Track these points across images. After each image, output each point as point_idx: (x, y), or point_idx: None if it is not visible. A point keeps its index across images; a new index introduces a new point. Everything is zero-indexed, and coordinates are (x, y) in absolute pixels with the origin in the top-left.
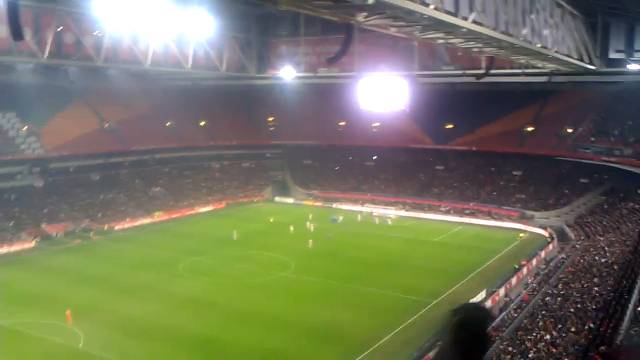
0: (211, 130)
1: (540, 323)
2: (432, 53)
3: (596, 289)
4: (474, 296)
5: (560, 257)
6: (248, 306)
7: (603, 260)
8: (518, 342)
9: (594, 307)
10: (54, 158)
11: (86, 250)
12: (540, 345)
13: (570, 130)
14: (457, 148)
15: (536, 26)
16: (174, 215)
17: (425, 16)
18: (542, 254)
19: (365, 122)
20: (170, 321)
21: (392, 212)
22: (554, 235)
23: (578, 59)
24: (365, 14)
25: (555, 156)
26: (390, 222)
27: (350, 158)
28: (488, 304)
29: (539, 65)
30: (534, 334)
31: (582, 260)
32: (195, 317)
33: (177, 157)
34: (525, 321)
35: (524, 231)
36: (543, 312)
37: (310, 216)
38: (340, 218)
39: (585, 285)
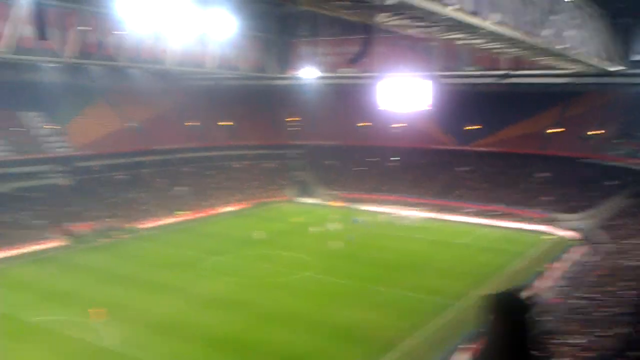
0: (233, 130)
1: (569, 327)
2: (453, 53)
3: (625, 292)
4: None
5: (586, 260)
6: (272, 306)
7: (630, 263)
8: (546, 345)
9: (623, 311)
10: (79, 157)
11: (112, 248)
12: (569, 349)
13: (594, 132)
14: (480, 149)
15: (558, 27)
16: (196, 215)
17: (446, 17)
18: (568, 256)
19: (386, 123)
20: (195, 320)
21: (415, 214)
22: (580, 238)
23: (600, 61)
24: (385, 14)
25: (580, 158)
26: (412, 224)
27: (372, 158)
28: None
29: (562, 66)
30: (562, 338)
31: (609, 264)
32: (219, 316)
33: (199, 157)
34: (552, 325)
35: (549, 234)
36: (571, 315)
37: (332, 217)
38: (362, 219)
39: (613, 289)
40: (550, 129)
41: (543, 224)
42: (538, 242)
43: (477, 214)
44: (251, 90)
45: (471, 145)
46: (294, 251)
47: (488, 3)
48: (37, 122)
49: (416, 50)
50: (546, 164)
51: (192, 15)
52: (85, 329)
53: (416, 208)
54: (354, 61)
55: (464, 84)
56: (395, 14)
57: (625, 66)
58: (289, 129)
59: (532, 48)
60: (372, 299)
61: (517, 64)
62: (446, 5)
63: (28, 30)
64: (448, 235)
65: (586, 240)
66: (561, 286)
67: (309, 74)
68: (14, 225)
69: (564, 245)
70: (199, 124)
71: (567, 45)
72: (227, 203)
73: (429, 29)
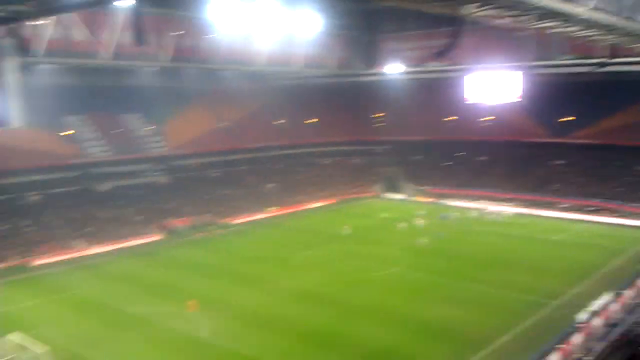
0: (320, 127)
1: None
2: (545, 43)
3: None
4: (598, 298)
5: None
6: (360, 301)
7: None
8: None
9: None
10: (175, 156)
11: (206, 243)
12: None
13: None
14: (577, 141)
15: None
16: (285, 211)
17: (537, 5)
18: None
19: (475, 116)
20: (285, 313)
21: (506, 209)
22: None
23: None
24: (473, 5)
25: None
26: (504, 220)
27: (461, 153)
28: (615, 306)
29: None
30: None
31: None
32: (309, 309)
33: (289, 154)
34: None
35: None
36: None
37: (420, 212)
38: (451, 215)
39: None
40: None
41: None
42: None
43: (573, 209)
44: (337, 88)
45: (566, 137)
46: (382, 247)
47: None
48: (136, 124)
49: (505, 41)
50: None
51: (279, 16)
52: (180, 320)
53: (507, 203)
54: (440, 55)
55: (557, 74)
56: (484, 4)
57: None
58: (375, 124)
59: (631, 34)
60: (462, 295)
61: (614, 51)
62: None
63: (126, 37)
64: (541, 231)
65: None
66: None
67: (394, 69)
68: (116, 221)
69: None
70: (287, 122)
71: None
72: (315, 199)
73: (518, 19)
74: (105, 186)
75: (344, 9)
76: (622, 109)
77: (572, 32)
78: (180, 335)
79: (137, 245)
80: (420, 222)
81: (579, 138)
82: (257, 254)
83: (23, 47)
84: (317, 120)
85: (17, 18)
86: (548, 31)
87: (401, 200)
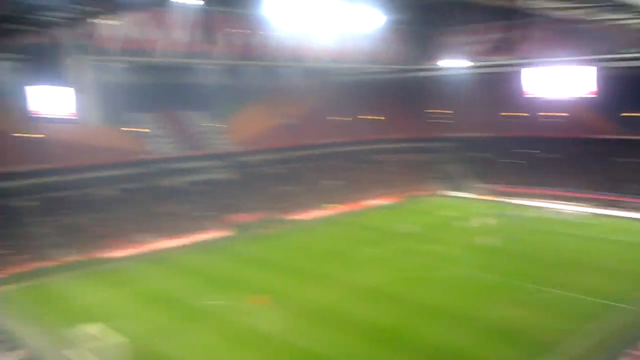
0: (380, 124)
1: None
2: (612, 35)
3: None
4: None
5: None
6: (424, 300)
7: None
8: None
9: None
10: (238, 153)
11: (270, 239)
12: None
13: None
14: None
15: None
16: (347, 208)
17: None
18: None
19: (537, 112)
20: (350, 310)
21: (572, 208)
22: None
23: None
24: None
25: None
26: (571, 219)
27: (523, 150)
28: None
29: None
30: None
31: None
32: (373, 307)
33: (349, 151)
34: None
35: None
36: None
37: (482, 211)
38: (515, 214)
39: None
40: None
41: None
42: None
43: None
44: (397, 83)
45: (638, 134)
46: (445, 245)
47: None
48: (201, 121)
49: (569, 33)
50: None
51: (338, 12)
52: (246, 315)
53: (573, 202)
54: (500, 48)
55: (628, 68)
56: None
57: None
58: (436, 121)
59: None
60: (527, 297)
61: None
62: None
63: (192, 36)
64: (610, 231)
65: None
66: None
67: (454, 63)
68: (183, 216)
69: None
70: (347, 118)
71: None
72: (375, 196)
73: (579, 11)
74: (173, 182)
75: (403, 3)
76: None
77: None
78: (247, 329)
79: (204, 240)
80: (483, 220)
81: None
82: (320, 251)
83: (95, 47)
84: (378, 116)
85: (88, 18)
86: (612, 23)
87: (463, 198)
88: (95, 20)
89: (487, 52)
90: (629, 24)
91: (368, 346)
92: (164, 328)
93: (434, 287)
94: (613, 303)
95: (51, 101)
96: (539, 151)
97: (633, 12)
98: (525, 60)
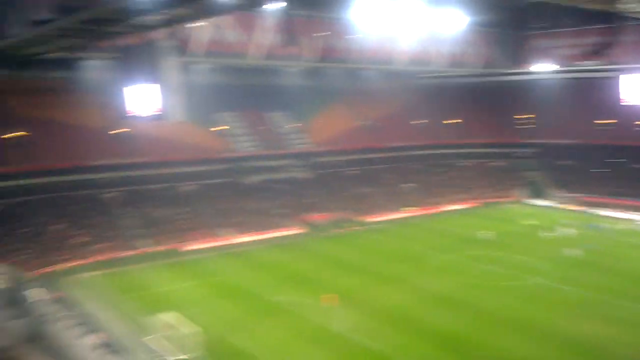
0: (461, 128)
1: None
2: None
3: None
4: None
5: None
6: (497, 310)
7: None
8: None
9: None
10: (317, 153)
11: (344, 239)
12: None
13: None
14: None
15: None
16: (423, 211)
17: None
18: None
19: (633, 120)
20: (420, 314)
21: None
22: None
23: None
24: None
25: None
26: None
27: (615, 159)
28: None
29: None
30: None
31: None
32: (444, 313)
33: (428, 155)
34: None
35: None
36: None
37: (567, 221)
38: (602, 225)
39: None
40: None
41: None
42: None
43: None
44: (481, 87)
45: None
46: (524, 255)
47: None
48: (282, 122)
49: None
50: None
51: (421, 14)
52: (318, 312)
53: None
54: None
55: None
56: None
57: None
58: (520, 126)
59: None
60: (612, 312)
61: None
62: None
63: (276, 38)
64: None
65: None
66: None
67: (542, 68)
68: (261, 212)
69: None
70: (426, 121)
71: None
72: (453, 201)
73: None
74: (252, 179)
75: (490, 4)
76: None
77: None
78: (318, 327)
79: (280, 237)
80: (566, 231)
81: None
82: (394, 253)
83: (183, 48)
84: (458, 120)
85: (179, 21)
86: None
87: (546, 207)
88: (185, 24)
89: (577, 57)
90: None
91: (437, 352)
92: (236, 320)
93: (510, 297)
94: None
95: (142, 100)
96: (632, 161)
97: None
98: (622, 66)
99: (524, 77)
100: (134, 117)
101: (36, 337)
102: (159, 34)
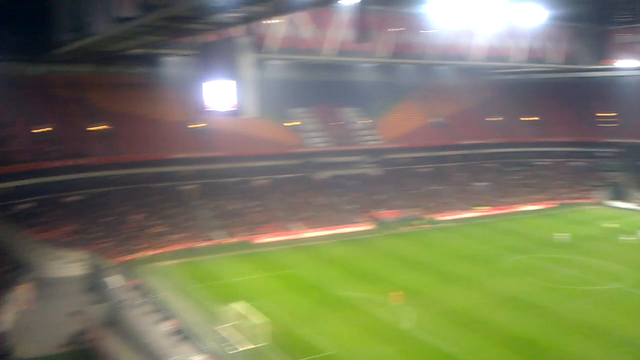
0: (538, 126)
1: None
2: None
3: None
4: None
5: None
6: (572, 315)
7: None
8: None
9: None
10: (387, 150)
11: (412, 236)
12: None
13: None
14: None
15: None
16: (496, 211)
17: None
18: None
19: None
20: (489, 316)
21: None
22: None
23: None
24: None
25: None
26: None
27: None
28: None
29: None
30: None
31: None
32: (514, 316)
33: (503, 153)
34: None
35: None
36: None
37: None
38: None
39: None
40: None
41: None
42: None
43: None
44: (560, 83)
45: None
46: (603, 259)
47: None
48: (353, 117)
49: None
50: None
51: (499, 7)
52: (384, 309)
53: None
54: None
55: None
56: None
57: None
58: (602, 125)
59: None
60: None
61: None
62: None
63: (349, 34)
64: None
65: None
66: None
67: (627, 64)
68: (330, 208)
69: None
70: (502, 119)
71: None
72: (528, 201)
73: None
74: (323, 175)
75: None
76: None
77: None
78: (385, 324)
79: (348, 233)
80: None
81: None
82: (464, 253)
83: (259, 45)
84: (535, 118)
85: (256, 18)
86: None
87: (629, 210)
88: (262, 21)
89: None
90: None
91: (506, 355)
92: (304, 313)
93: (586, 302)
94: None
95: (219, 95)
96: None
97: None
98: None
99: (606, 73)
100: (211, 112)
101: (114, 322)
102: (237, 31)
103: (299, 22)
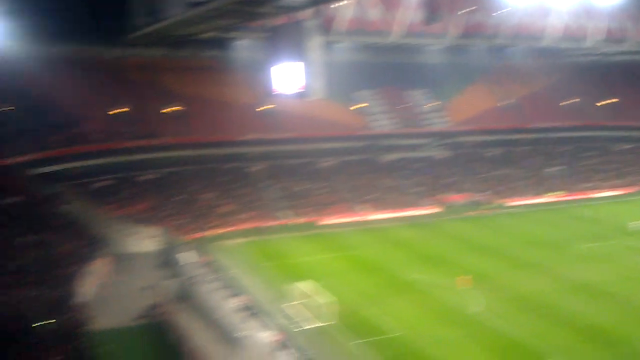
0: (617, 109)
1: None
2: None
3: None
4: None
5: None
6: None
7: None
8: None
9: None
10: (455, 132)
11: (480, 221)
12: None
13: None
14: None
15: None
16: (568, 197)
17: None
18: None
19: None
20: (560, 303)
21: None
22: None
23: None
24: None
25: None
26: None
27: None
28: None
29: None
30: None
31: None
32: (588, 304)
33: (576, 137)
34: None
35: None
36: None
37: None
38: None
39: None
40: None
41: None
42: None
43: None
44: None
45: None
46: None
47: None
48: (421, 100)
49: None
50: None
51: None
52: (450, 293)
53: None
54: None
55: None
56: None
57: None
58: None
59: None
60: None
61: None
62: None
63: (418, 15)
64: None
65: None
66: None
67: None
68: (396, 190)
69: None
70: (577, 101)
71: None
72: (604, 187)
73: None
74: (389, 157)
75: None
76: None
77: None
78: (450, 308)
79: (414, 216)
80: None
81: None
82: (534, 238)
83: (327, 27)
84: (613, 100)
85: (324, 1)
86: None
87: None
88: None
89: None
90: None
91: (577, 343)
92: (370, 294)
93: None
94: None
95: (287, 77)
96: None
97: None
98: None
99: None
100: (279, 94)
101: (185, 297)
102: (305, 14)
103: (367, 3)
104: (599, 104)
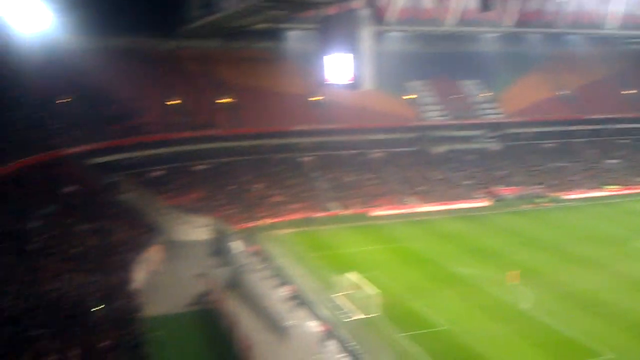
0: None
1: None
2: None
3: None
4: None
5: None
6: None
7: None
8: None
9: None
10: (509, 124)
11: (533, 215)
12: None
13: None
14: None
15: None
16: (629, 191)
17: None
18: None
19: None
20: (616, 300)
21: None
22: None
23: None
24: None
25: None
26: None
27: None
28: None
29: None
30: None
31: None
32: None
33: (637, 128)
34: None
35: None
36: None
37: None
38: None
39: None
40: None
41: None
42: None
43: None
44: None
45: None
46: None
47: None
48: (473, 90)
49: None
50: None
51: None
52: (500, 287)
53: None
54: None
55: None
56: None
57: None
58: None
59: None
60: None
61: None
62: None
63: (472, 3)
64: None
65: None
66: None
67: None
68: (447, 182)
69: None
70: (638, 92)
71: None
72: None
73: None
74: (440, 149)
75: None
76: None
77: None
78: (498, 302)
79: (464, 208)
80: None
81: None
82: (590, 234)
83: (379, 17)
84: None
85: None
86: None
87: None
88: None
89: None
90: None
91: (632, 342)
92: (417, 287)
93: None
94: None
95: (338, 68)
96: None
97: None
98: None
99: None
100: (330, 84)
101: (235, 285)
102: (357, 4)
103: None
104: None
